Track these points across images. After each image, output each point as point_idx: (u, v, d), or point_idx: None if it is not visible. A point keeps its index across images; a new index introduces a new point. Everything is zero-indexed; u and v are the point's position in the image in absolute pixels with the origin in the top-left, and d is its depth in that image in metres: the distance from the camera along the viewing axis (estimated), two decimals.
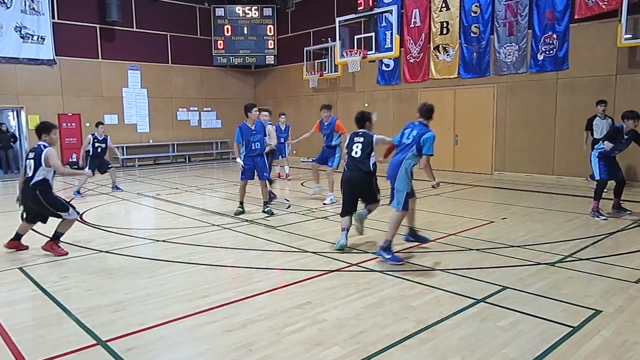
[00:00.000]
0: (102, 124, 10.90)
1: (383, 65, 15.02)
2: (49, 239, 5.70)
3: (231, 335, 3.52)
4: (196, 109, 18.61)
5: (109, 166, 10.69)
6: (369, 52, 13.84)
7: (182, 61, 18.16)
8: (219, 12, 18.47)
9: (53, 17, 15.16)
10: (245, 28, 18.66)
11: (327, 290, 4.40)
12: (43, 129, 5.69)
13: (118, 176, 13.93)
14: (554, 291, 4.27)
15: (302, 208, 8.26)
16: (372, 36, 13.90)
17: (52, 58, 15.24)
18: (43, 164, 5.50)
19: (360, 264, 5.15)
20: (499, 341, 3.35)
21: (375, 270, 4.93)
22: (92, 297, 4.33)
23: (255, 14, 18.61)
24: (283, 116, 12.78)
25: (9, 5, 14.34)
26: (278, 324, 3.68)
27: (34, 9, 14.79)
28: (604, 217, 7.21)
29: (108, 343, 3.41)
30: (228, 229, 6.97)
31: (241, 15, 18.59)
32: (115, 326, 3.68)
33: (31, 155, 5.60)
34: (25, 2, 14.60)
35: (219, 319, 3.80)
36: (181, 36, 18.03)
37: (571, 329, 3.51)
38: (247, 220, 7.44)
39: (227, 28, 18.58)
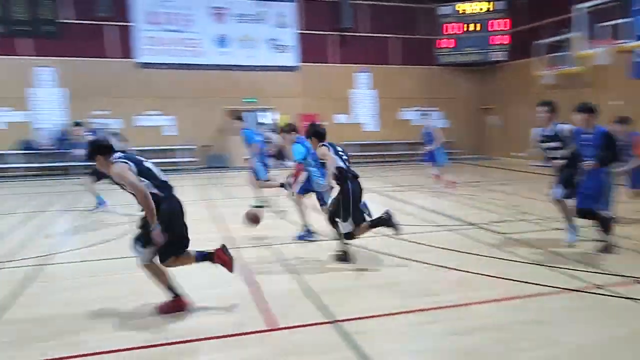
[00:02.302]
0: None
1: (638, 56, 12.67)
2: None
3: (457, 338, 3.48)
4: (417, 108, 18.80)
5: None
6: (619, 42, 11.88)
7: (406, 62, 18.69)
8: (443, 10, 18.32)
9: (297, 29, 17.34)
10: (471, 25, 18.08)
11: (565, 311, 3.95)
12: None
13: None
14: None
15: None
16: (623, 23, 11.89)
17: (295, 64, 17.44)
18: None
19: (606, 287, 4.43)
20: None
21: (625, 297, 4.20)
22: (329, 280, 4.81)
23: (483, 9, 17.87)
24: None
25: (263, 22, 17.02)
26: (508, 336, 3.49)
27: (282, 23, 17.17)
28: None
29: (339, 323, 3.73)
30: (450, 230, 6.90)
31: (467, 12, 18.08)
32: (344, 308, 4.00)
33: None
34: (274, 17, 17.16)
35: (441, 320, 3.81)
36: (403, 37, 18.60)
37: None
38: (469, 224, 7.21)
39: (452, 26, 18.31)
